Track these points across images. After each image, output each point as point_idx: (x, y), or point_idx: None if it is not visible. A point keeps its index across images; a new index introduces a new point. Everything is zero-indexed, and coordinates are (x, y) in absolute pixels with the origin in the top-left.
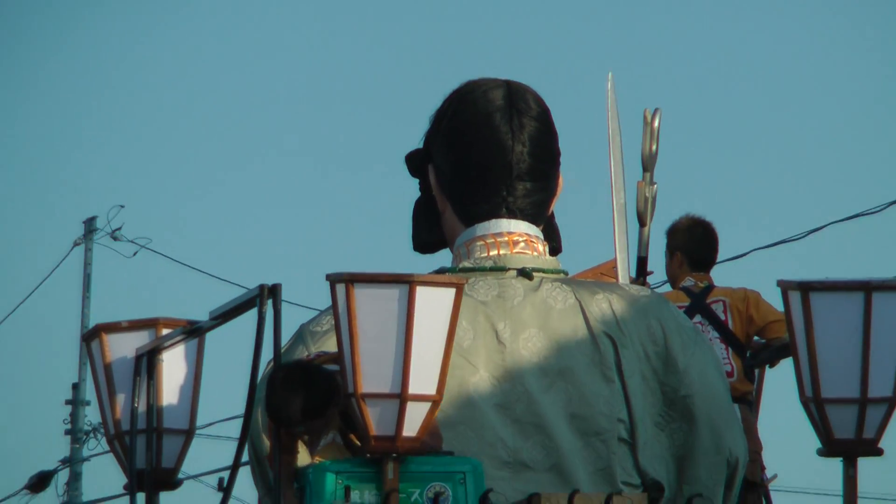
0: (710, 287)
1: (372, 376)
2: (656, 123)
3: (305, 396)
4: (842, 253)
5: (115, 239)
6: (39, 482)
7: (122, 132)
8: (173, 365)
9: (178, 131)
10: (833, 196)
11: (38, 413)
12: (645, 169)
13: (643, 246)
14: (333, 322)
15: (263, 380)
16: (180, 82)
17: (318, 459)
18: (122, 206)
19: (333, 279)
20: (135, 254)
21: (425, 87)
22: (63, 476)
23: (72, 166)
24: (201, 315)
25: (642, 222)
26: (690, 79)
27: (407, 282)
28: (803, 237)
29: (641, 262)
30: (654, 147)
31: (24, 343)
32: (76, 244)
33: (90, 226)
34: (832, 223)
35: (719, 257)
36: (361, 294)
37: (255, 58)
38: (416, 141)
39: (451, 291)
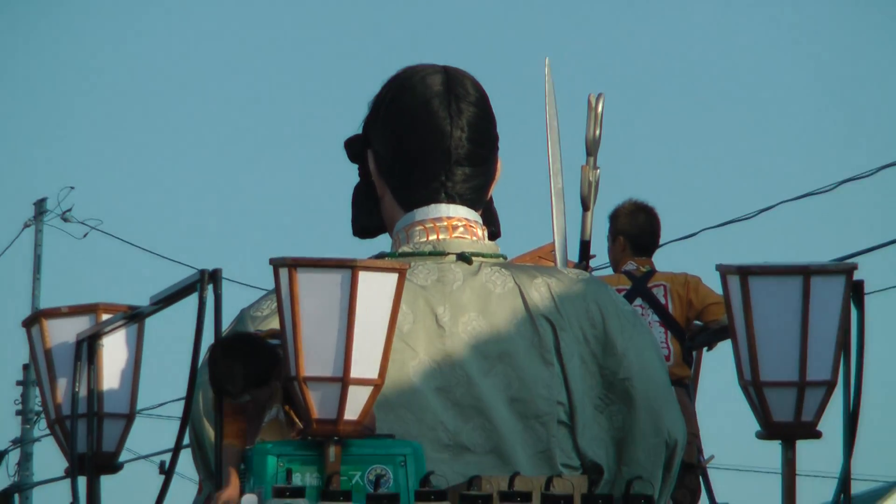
0: (652, 271)
1: (314, 360)
2: (600, 108)
3: (249, 364)
4: (793, 232)
5: (65, 220)
6: None
7: (73, 113)
8: (114, 350)
9: (130, 112)
10: (784, 175)
11: None
12: (588, 153)
13: (586, 230)
14: (275, 306)
15: (204, 364)
16: (131, 61)
17: (261, 439)
18: (73, 188)
19: (277, 263)
20: (85, 235)
21: (367, 71)
22: (14, 456)
23: (22, 147)
24: (150, 297)
25: (585, 206)
26: (633, 61)
27: (350, 267)
28: (754, 216)
29: (584, 246)
30: (597, 132)
31: None
32: (26, 225)
33: (40, 207)
34: (783, 202)
35: (669, 238)
36: (304, 279)
37: (209, 32)
38: (355, 124)
39: (394, 277)
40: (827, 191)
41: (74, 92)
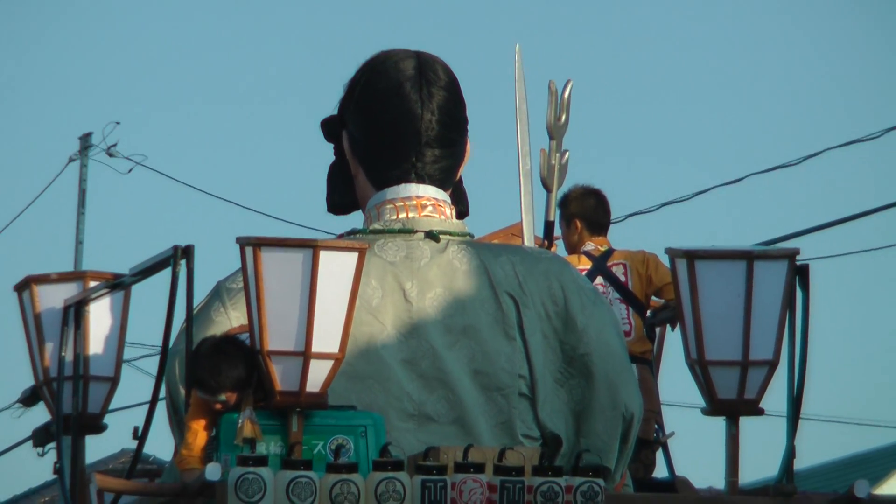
0: (611, 250)
1: (277, 335)
2: (566, 94)
3: (233, 368)
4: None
5: (110, 155)
6: (33, 396)
7: (119, 48)
8: (100, 316)
9: (176, 48)
10: (831, 122)
11: None
12: (551, 137)
13: (550, 211)
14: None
15: (180, 333)
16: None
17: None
18: (118, 123)
19: (242, 242)
20: (130, 170)
21: (336, 58)
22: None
23: (68, 82)
24: (194, 235)
25: (548, 188)
26: (596, 50)
27: (311, 246)
28: (800, 162)
29: (549, 227)
30: (563, 117)
31: (19, 258)
32: (71, 160)
33: (85, 142)
34: (829, 149)
35: (715, 183)
36: (268, 257)
37: None
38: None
39: (354, 255)
40: (873, 138)
41: (122, 26)
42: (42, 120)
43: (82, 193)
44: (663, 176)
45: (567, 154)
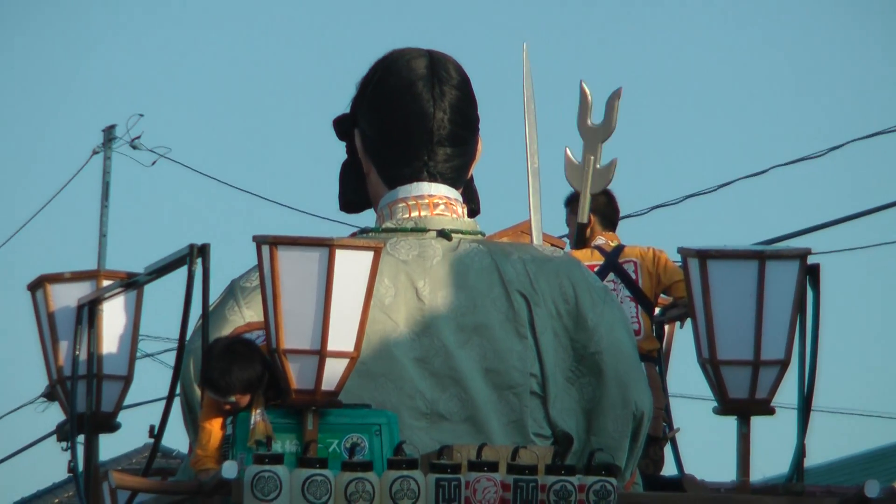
0: (621, 246)
1: (293, 333)
2: (616, 101)
3: (245, 369)
4: (862, 170)
5: (134, 148)
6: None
7: (143, 40)
8: (113, 315)
9: (200, 40)
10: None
11: None
12: (584, 139)
13: (582, 213)
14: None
15: (196, 332)
16: None
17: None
18: (142, 115)
19: (259, 240)
20: (154, 163)
21: (353, 54)
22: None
23: (92, 74)
24: (218, 228)
25: (576, 190)
26: (605, 50)
27: (327, 245)
28: (823, 154)
29: (581, 229)
30: (590, 118)
31: (43, 249)
32: (95, 152)
33: (109, 134)
34: (852, 141)
35: (739, 175)
36: (284, 256)
37: None
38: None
39: (370, 254)
40: (820, 155)
41: (146, 18)
42: (66, 112)
43: (106, 186)
44: (686, 168)
45: (614, 161)
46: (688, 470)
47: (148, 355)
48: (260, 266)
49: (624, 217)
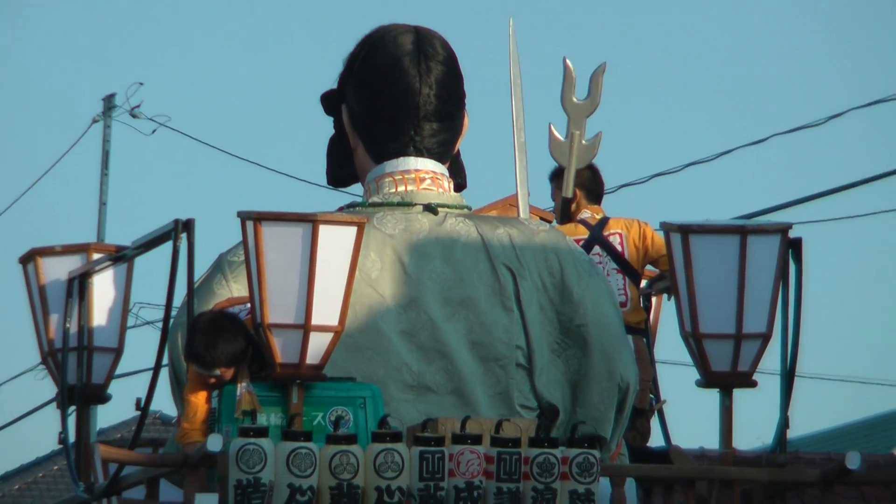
0: (606, 219)
1: (278, 308)
2: (599, 77)
3: (229, 343)
4: (862, 139)
5: (134, 116)
6: None
7: (144, 8)
8: (103, 288)
9: (199, 8)
10: (854, 83)
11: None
12: (567, 115)
13: (567, 187)
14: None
15: (183, 305)
16: None
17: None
18: (142, 84)
19: (243, 216)
20: (153, 131)
21: (349, 27)
22: None
23: (91, 43)
24: (217, 196)
25: (561, 165)
26: (583, 26)
27: (310, 220)
28: (823, 123)
29: (565, 203)
30: (575, 95)
31: (43, 218)
32: (95, 121)
33: (109, 103)
34: (852, 109)
35: (739, 143)
36: (268, 231)
37: None
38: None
39: (353, 229)
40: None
41: None
42: (65, 81)
43: (106, 154)
44: (686, 138)
45: (599, 135)
46: (675, 440)
47: (147, 323)
48: (245, 242)
49: (624, 185)
